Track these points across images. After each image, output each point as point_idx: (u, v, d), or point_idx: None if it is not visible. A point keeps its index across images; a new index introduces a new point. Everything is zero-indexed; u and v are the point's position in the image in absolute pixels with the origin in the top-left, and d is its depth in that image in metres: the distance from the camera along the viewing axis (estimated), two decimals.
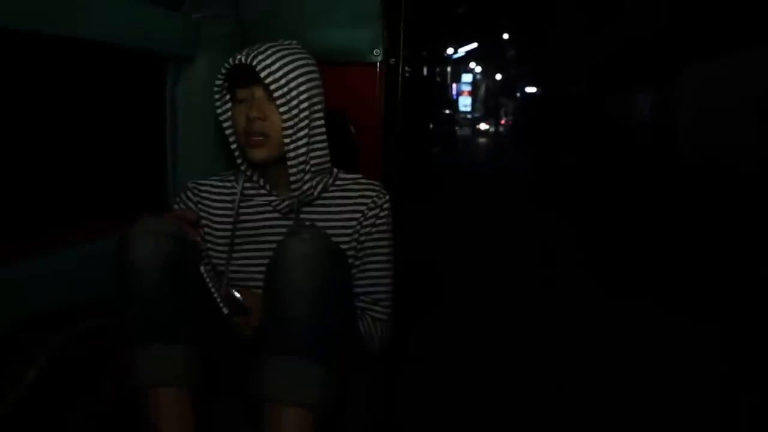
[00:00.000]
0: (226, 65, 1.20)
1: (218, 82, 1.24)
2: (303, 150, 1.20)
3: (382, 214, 1.28)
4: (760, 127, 3.67)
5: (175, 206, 1.34)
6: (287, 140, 1.19)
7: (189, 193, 1.32)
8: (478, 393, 2.50)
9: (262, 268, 1.23)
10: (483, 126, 33.08)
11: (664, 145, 6.90)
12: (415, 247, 4.12)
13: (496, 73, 35.33)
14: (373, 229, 1.27)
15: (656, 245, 5.23)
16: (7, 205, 1.19)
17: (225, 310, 1.12)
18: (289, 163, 1.20)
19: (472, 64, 36.76)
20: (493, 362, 2.86)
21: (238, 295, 1.13)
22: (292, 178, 1.21)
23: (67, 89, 1.33)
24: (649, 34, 8.06)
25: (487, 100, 38.59)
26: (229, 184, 1.31)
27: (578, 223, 6.45)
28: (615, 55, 10.06)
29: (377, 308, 1.27)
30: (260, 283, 1.22)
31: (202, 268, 1.13)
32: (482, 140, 25.23)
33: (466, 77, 37.34)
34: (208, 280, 1.13)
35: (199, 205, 1.30)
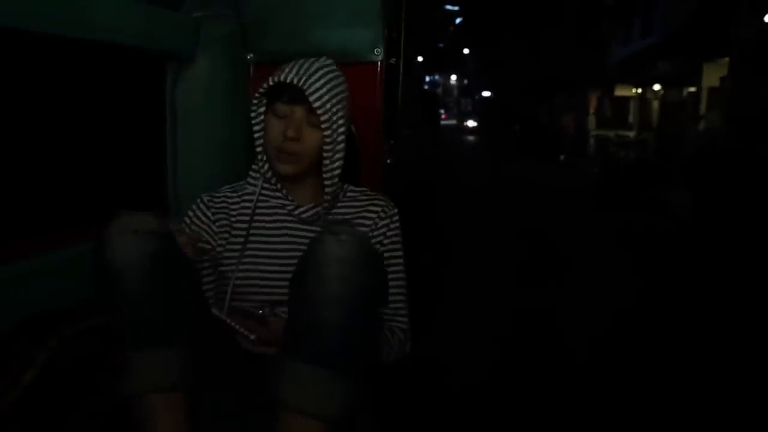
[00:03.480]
0: (274, 79, 1.19)
1: (262, 91, 1.23)
2: (337, 164, 1.24)
3: (392, 225, 1.30)
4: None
5: (186, 219, 1.31)
6: (326, 161, 1.22)
7: (202, 206, 1.30)
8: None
9: (272, 268, 1.23)
10: (471, 123, 33.78)
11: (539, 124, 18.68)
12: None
13: (457, 79, 50.46)
14: (386, 240, 1.29)
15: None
16: (3, 205, 1.19)
17: (252, 337, 1.10)
18: (325, 176, 1.24)
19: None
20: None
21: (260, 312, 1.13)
22: (327, 190, 1.25)
23: (66, 89, 1.33)
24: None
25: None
26: (245, 190, 1.32)
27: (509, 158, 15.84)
28: (541, 77, 18.43)
29: (397, 318, 1.28)
30: (268, 282, 1.22)
31: (214, 310, 1.11)
32: (468, 130, 31.13)
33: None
34: (226, 319, 1.11)
35: (218, 215, 1.29)
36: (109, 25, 1.25)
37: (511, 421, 2.32)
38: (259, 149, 1.27)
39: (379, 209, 1.30)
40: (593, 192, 8.85)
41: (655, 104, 12.57)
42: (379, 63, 1.56)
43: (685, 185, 7.00)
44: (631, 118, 14.04)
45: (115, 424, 0.97)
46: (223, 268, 1.26)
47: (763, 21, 7.21)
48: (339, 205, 1.31)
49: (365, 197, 1.33)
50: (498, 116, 23.22)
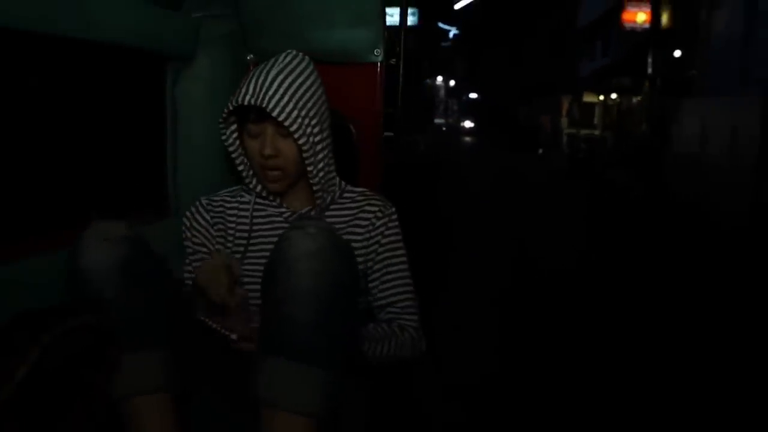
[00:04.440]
0: (233, 103, 1.16)
1: (224, 116, 1.21)
2: (321, 167, 1.22)
3: (390, 224, 1.30)
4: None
5: (185, 221, 1.31)
6: (309, 167, 1.20)
7: (201, 209, 1.31)
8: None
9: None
10: (468, 124, 33.59)
11: (521, 123, 23.88)
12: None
13: (443, 80, 51.49)
14: (385, 240, 1.28)
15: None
16: (3, 205, 1.19)
17: (233, 336, 1.11)
18: (312, 181, 1.22)
19: None
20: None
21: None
22: (318, 195, 1.25)
23: (66, 89, 1.33)
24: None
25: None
26: (242, 198, 1.32)
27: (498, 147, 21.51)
28: (522, 83, 21.95)
29: (406, 317, 1.28)
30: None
31: (199, 314, 1.12)
32: (465, 131, 32.84)
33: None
34: (208, 321, 1.12)
35: (215, 219, 1.30)
36: (109, 25, 1.25)
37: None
38: (241, 167, 1.26)
39: (375, 209, 1.30)
40: (565, 171, 13.30)
41: (614, 110, 16.06)
42: (379, 63, 1.56)
43: (626, 167, 10.73)
44: (596, 120, 17.41)
45: (107, 423, 0.97)
46: None
47: (672, 56, 10.97)
48: (336, 206, 1.30)
49: (362, 197, 1.32)
50: (488, 117, 28.13)
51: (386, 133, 1.59)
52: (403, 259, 1.30)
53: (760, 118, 4.65)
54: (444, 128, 32.62)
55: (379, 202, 1.31)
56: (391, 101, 1.61)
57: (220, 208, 1.31)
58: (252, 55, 1.62)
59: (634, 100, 13.50)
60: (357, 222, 1.29)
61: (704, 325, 3.52)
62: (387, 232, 1.29)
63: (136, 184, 1.53)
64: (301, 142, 1.17)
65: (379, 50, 1.54)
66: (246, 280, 1.23)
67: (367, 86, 1.56)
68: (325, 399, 0.96)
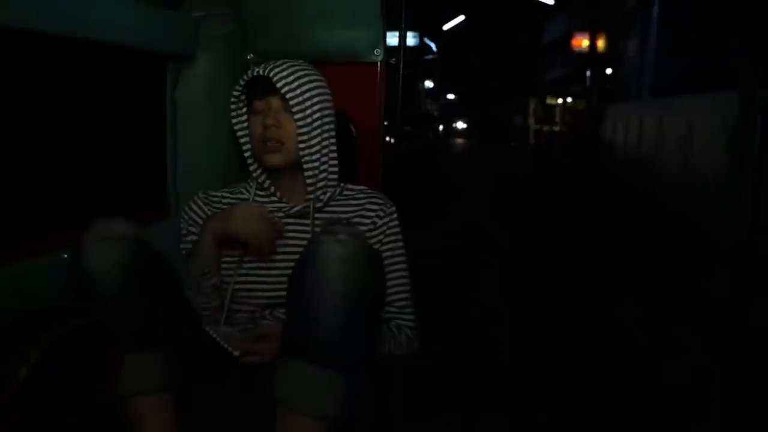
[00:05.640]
0: (245, 77, 1.24)
1: (236, 93, 1.27)
2: (317, 156, 1.25)
3: (391, 223, 1.31)
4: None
5: (183, 215, 1.33)
6: (302, 145, 1.23)
7: (199, 202, 1.32)
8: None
9: (270, 272, 1.23)
10: (460, 125, 32.96)
11: (496, 121, 29.22)
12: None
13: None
14: (386, 238, 1.29)
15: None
16: (3, 205, 1.18)
17: (236, 353, 1.12)
18: (305, 167, 1.24)
19: None
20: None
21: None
22: (309, 181, 1.25)
23: (66, 89, 1.33)
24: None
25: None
26: (241, 195, 1.33)
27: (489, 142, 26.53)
28: (496, 87, 27.30)
29: (403, 316, 1.29)
30: (266, 286, 1.22)
31: (208, 330, 1.14)
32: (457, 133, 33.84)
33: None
34: (217, 338, 1.13)
35: (213, 212, 1.30)
36: (109, 24, 1.25)
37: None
38: (247, 154, 1.30)
39: (377, 208, 1.30)
40: (531, 156, 18.57)
41: (570, 110, 19.37)
42: (379, 63, 1.56)
43: (575, 153, 14.38)
44: (556, 118, 20.73)
45: (107, 423, 0.97)
46: (222, 272, 1.26)
47: (605, 73, 14.98)
48: (336, 203, 1.31)
49: (362, 195, 1.33)
50: (467, 116, 32.91)
51: (405, 128, 1.65)
52: (403, 258, 1.31)
53: (657, 117, 7.53)
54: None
55: (380, 201, 1.32)
56: (392, 108, 1.65)
57: (218, 204, 1.32)
58: (252, 55, 1.61)
59: (582, 103, 17.04)
60: (359, 220, 1.29)
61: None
62: (388, 231, 1.30)
63: (135, 184, 1.53)
64: (297, 117, 1.21)
65: (379, 50, 1.54)
66: (244, 273, 1.23)
67: (367, 86, 1.56)
68: (345, 406, 0.96)
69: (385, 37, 1.54)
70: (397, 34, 1.63)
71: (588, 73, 15.28)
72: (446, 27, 24.66)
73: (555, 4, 20.30)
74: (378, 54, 1.55)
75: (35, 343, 0.81)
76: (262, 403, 1.00)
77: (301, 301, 0.98)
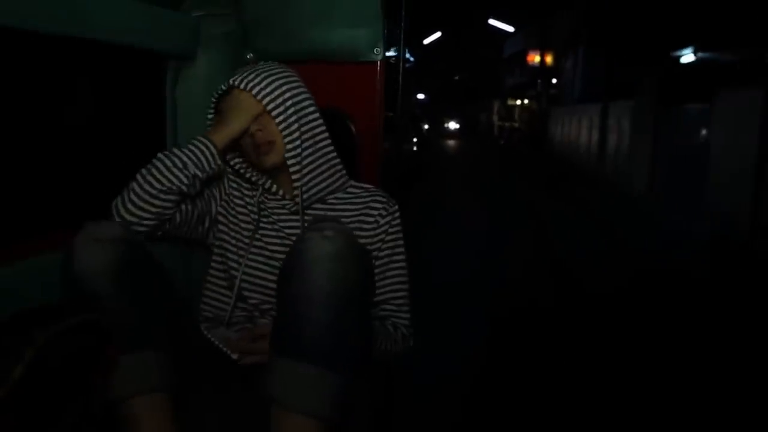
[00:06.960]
0: (215, 94, 1.25)
1: (210, 116, 1.28)
2: (298, 144, 1.24)
3: (393, 222, 1.31)
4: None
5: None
6: (288, 143, 1.23)
7: (227, 181, 1.33)
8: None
9: (274, 269, 1.23)
10: (453, 125, 32.12)
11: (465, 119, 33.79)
12: None
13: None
14: (387, 237, 1.30)
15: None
16: (2, 205, 1.17)
17: (234, 356, 1.13)
18: (288, 162, 1.24)
19: None
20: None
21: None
22: (294, 177, 1.24)
23: (66, 89, 1.32)
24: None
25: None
26: (248, 192, 1.33)
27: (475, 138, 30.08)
28: (464, 88, 35.30)
29: (400, 314, 1.29)
30: (271, 284, 1.22)
31: (205, 333, 1.15)
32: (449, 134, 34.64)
33: None
34: (215, 341, 1.14)
35: (224, 199, 1.32)
36: (109, 24, 1.24)
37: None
38: (237, 166, 1.31)
39: (380, 206, 1.31)
40: (494, 145, 22.97)
41: (526, 110, 24.01)
42: (379, 62, 1.56)
43: (530, 143, 18.89)
44: (516, 116, 25.59)
45: (104, 423, 0.95)
46: (228, 264, 1.27)
47: (551, 82, 19.09)
48: (339, 201, 1.31)
49: (367, 194, 1.33)
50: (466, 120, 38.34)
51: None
52: (403, 257, 1.32)
53: (577, 117, 12.59)
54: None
55: (383, 199, 1.32)
56: (390, 102, 1.66)
57: (227, 197, 1.32)
58: (252, 55, 1.61)
59: (535, 105, 21.64)
60: (363, 218, 1.29)
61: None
62: (390, 230, 1.30)
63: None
64: (274, 114, 1.21)
65: (379, 49, 1.54)
66: (248, 271, 1.24)
67: (367, 85, 1.56)
68: (337, 404, 0.95)
69: (384, 36, 1.55)
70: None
71: (539, 81, 19.68)
72: (426, 41, 28.08)
73: (513, 25, 25.43)
74: (378, 53, 1.55)
75: (30, 342, 0.79)
76: (259, 402, 0.99)
77: (289, 298, 0.97)
